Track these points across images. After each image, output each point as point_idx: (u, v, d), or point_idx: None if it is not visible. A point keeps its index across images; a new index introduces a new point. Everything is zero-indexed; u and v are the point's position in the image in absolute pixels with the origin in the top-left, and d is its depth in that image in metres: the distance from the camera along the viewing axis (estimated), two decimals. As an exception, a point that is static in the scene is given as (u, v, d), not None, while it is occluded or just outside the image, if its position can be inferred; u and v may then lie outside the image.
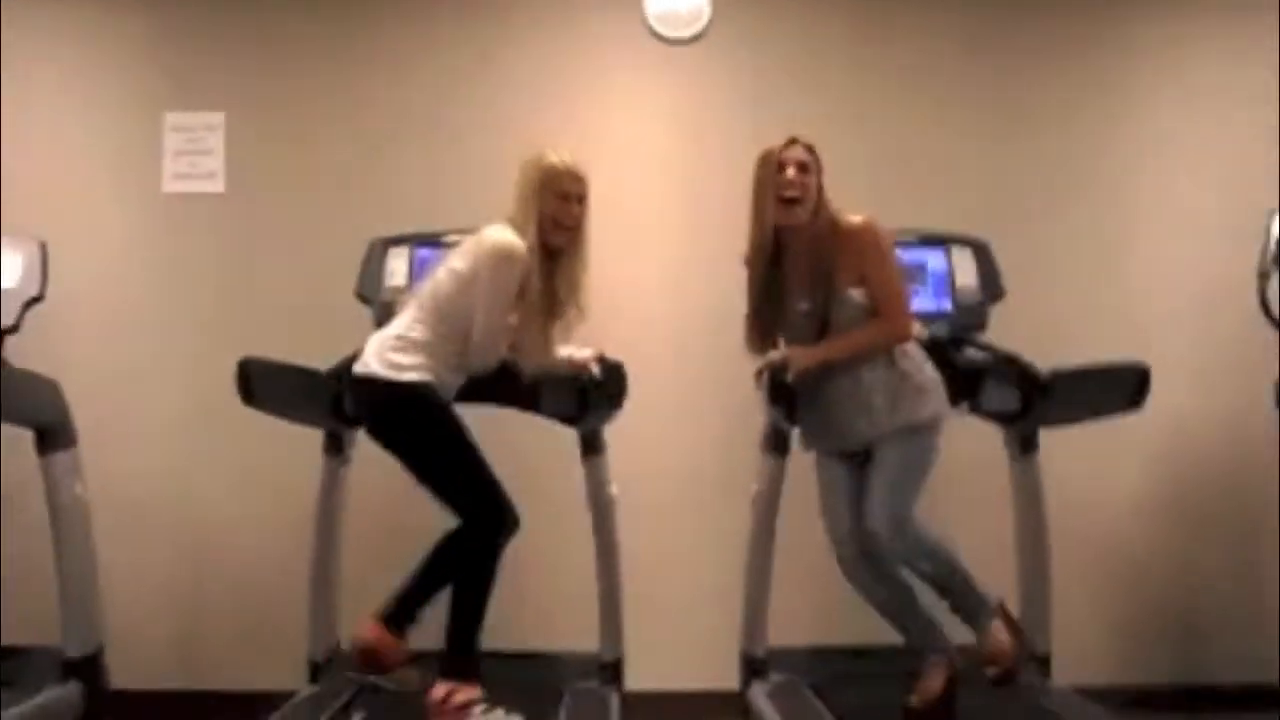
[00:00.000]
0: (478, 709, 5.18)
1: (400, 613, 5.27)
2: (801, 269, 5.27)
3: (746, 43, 6.86)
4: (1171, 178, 6.89)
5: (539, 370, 5.49)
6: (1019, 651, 5.40)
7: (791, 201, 5.22)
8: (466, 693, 5.21)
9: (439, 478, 5.25)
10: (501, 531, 5.25)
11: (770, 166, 5.24)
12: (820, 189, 5.27)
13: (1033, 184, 6.85)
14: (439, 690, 5.20)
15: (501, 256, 5.19)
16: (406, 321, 5.28)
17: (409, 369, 5.19)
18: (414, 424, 5.24)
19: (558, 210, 5.32)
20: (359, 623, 5.29)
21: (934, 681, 5.30)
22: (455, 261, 5.28)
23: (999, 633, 5.34)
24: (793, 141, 5.27)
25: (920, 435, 5.21)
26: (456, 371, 5.32)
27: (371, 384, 5.22)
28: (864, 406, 5.23)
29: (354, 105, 6.76)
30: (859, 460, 5.32)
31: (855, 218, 5.18)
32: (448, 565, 5.27)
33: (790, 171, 5.20)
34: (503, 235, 5.22)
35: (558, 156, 5.37)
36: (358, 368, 5.27)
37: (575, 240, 5.39)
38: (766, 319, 5.36)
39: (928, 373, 5.28)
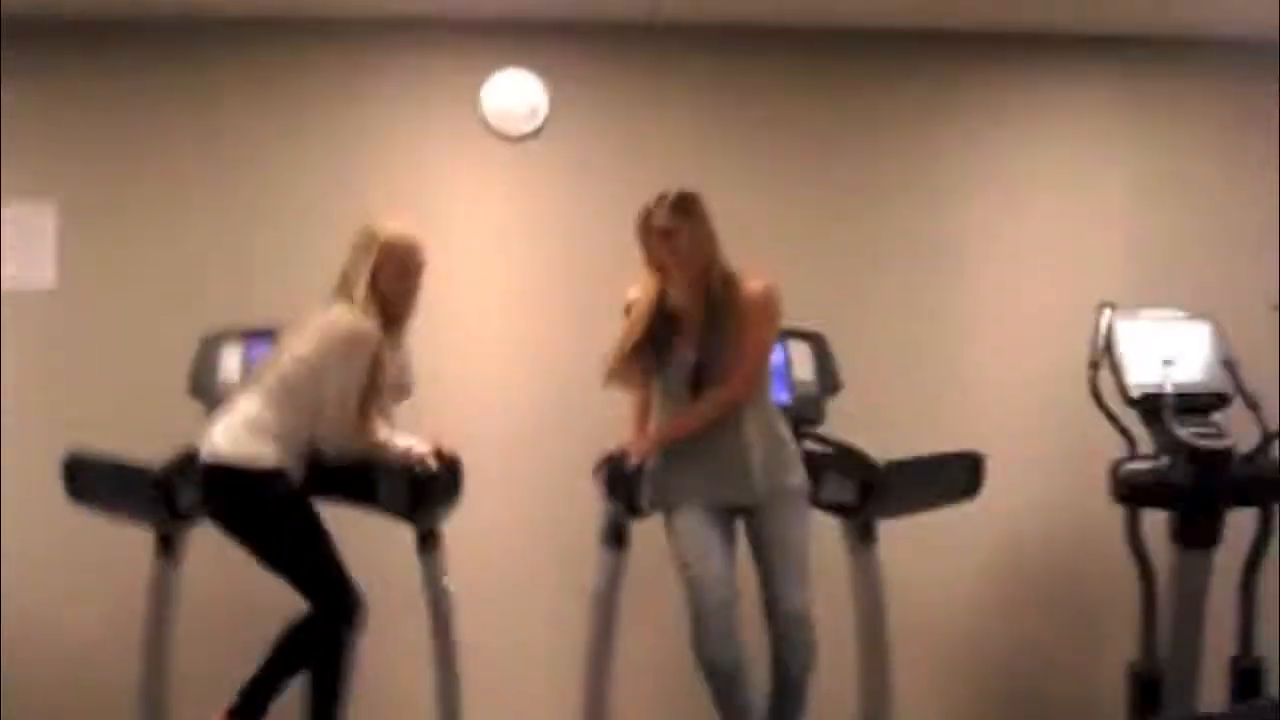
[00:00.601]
0: None
1: (250, 704, 5.13)
2: (691, 321, 5.23)
3: (584, 136, 6.90)
4: (1007, 270, 7.03)
5: (348, 452, 5.35)
6: None
7: (661, 269, 5.24)
8: None
9: (290, 565, 5.17)
10: (350, 619, 5.20)
11: (643, 228, 5.25)
12: (704, 242, 5.23)
13: (866, 275, 6.94)
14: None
15: (355, 342, 5.11)
16: (255, 408, 5.18)
17: (262, 456, 5.11)
18: (267, 511, 5.17)
19: (401, 287, 5.26)
20: (210, 721, 5.14)
21: None
22: (301, 348, 5.17)
23: None
24: (661, 199, 5.24)
25: (802, 503, 5.27)
26: (302, 458, 5.24)
27: (225, 472, 5.14)
28: (743, 464, 5.20)
29: (188, 197, 6.68)
30: (726, 523, 5.26)
31: (756, 283, 5.21)
32: (296, 652, 5.19)
33: (654, 242, 5.22)
34: (352, 319, 5.12)
35: (397, 229, 5.29)
36: (207, 455, 5.17)
37: (408, 317, 5.33)
38: (647, 361, 5.27)
39: (792, 437, 5.36)
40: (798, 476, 5.29)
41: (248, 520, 5.19)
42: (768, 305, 5.22)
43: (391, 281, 5.24)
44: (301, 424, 5.17)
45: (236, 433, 5.15)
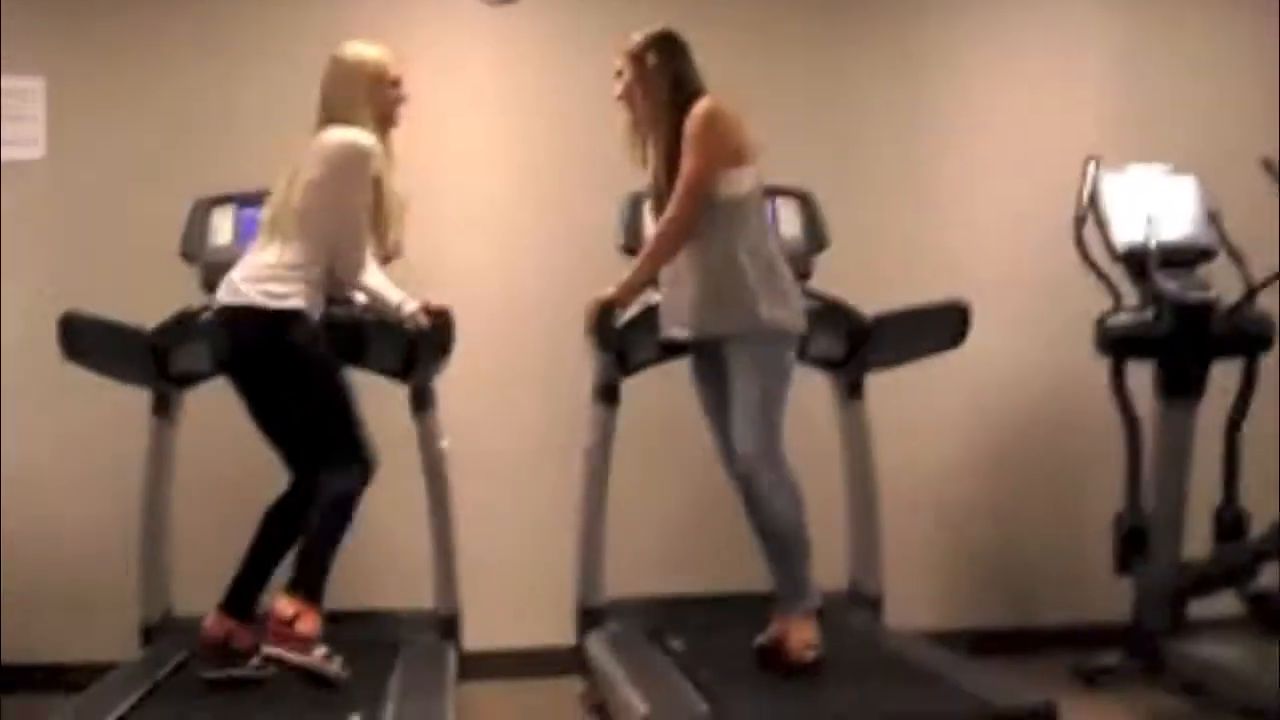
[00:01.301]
0: (319, 650, 4.92)
1: (311, 588, 4.95)
2: (654, 155, 5.21)
3: (576, 7, 6.90)
4: (993, 124, 7.06)
5: (363, 291, 5.35)
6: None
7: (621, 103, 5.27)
8: (311, 621, 4.89)
9: (314, 416, 5.04)
10: (368, 480, 5.08)
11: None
12: (664, 83, 5.15)
13: (853, 132, 6.96)
14: (284, 606, 4.88)
15: (357, 154, 4.99)
16: (274, 251, 4.98)
17: (290, 296, 4.93)
18: (295, 355, 4.95)
19: (391, 104, 5.20)
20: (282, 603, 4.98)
21: (806, 632, 5.08)
22: (310, 173, 5.01)
23: (806, 630, 5.09)
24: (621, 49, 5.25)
25: (755, 347, 5.05)
26: (321, 294, 5.09)
27: (250, 314, 4.93)
28: (681, 301, 5.18)
29: (177, 65, 6.67)
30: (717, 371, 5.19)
31: (700, 104, 5.09)
32: (336, 520, 5.01)
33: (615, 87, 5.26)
34: (350, 133, 5.02)
35: (367, 47, 5.21)
36: (229, 297, 4.96)
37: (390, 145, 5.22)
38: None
39: (789, 279, 5.18)
40: (748, 319, 5.02)
41: (272, 365, 4.98)
42: (696, 129, 5.02)
43: (386, 101, 5.18)
44: (319, 257, 5.00)
45: (259, 272, 4.96)
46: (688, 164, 5.01)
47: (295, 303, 4.93)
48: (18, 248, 6.58)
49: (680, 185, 5.02)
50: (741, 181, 5.07)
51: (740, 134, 5.10)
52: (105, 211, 6.58)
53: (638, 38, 5.23)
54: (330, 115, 5.10)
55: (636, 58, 5.21)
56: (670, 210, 5.05)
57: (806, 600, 5.11)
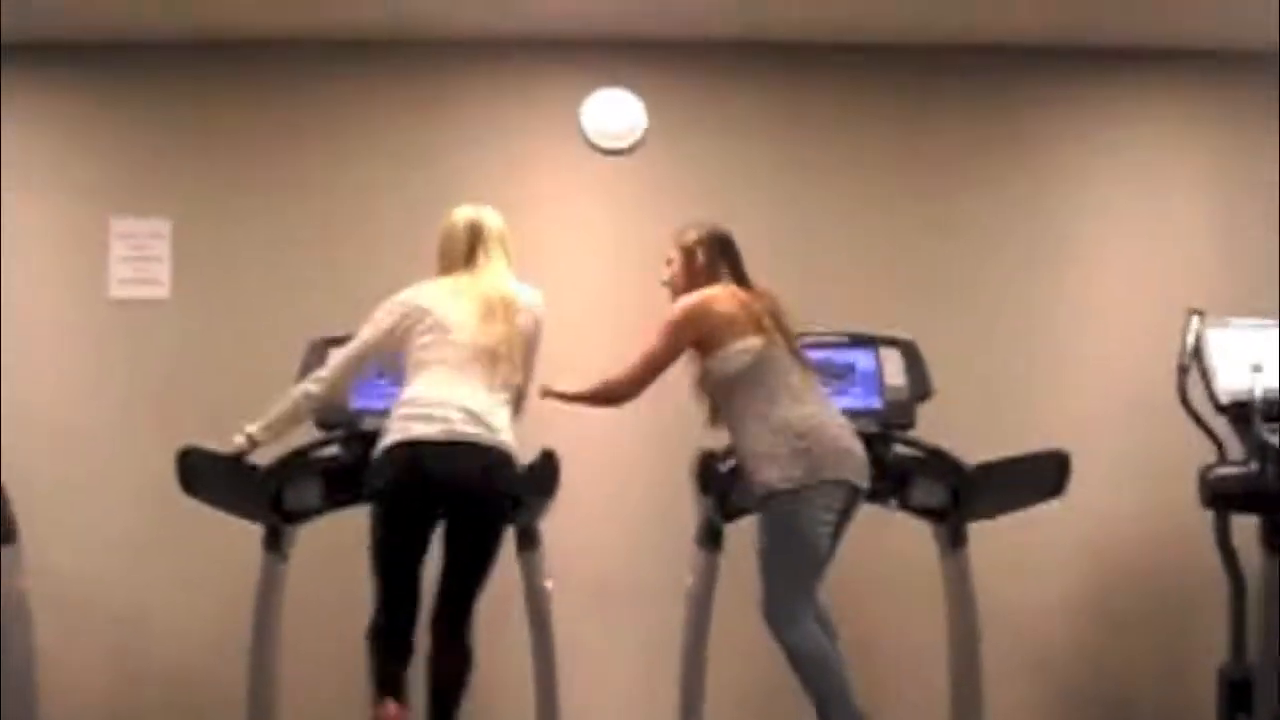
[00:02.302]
0: None
1: None
2: None
3: (679, 152, 7.07)
4: (1095, 276, 7.10)
5: None
6: None
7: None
8: None
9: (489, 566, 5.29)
10: None
11: None
12: (687, 278, 5.49)
13: (959, 279, 7.05)
14: None
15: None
16: (494, 386, 5.26)
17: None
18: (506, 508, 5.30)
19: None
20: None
21: None
22: (523, 325, 5.37)
23: None
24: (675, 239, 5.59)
25: (763, 515, 5.23)
26: None
27: (506, 457, 5.21)
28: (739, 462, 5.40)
29: (297, 211, 6.89)
30: None
31: (688, 297, 5.42)
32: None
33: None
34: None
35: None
36: (488, 436, 5.15)
37: None
38: None
39: (779, 442, 5.22)
40: (751, 484, 5.25)
41: (502, 515, 5.30)
42: (669, 317, 5.39)
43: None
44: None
45: (499, 415, 5.23)
46: (647, 342, 5.36)
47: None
48: (140, 385, 6.76)
49: (641, 365, 5.37)
50: (729, 360, 5.26)
51: (721, 322, 5.31)
52: (224, 350, 6.76)
53: (692, 233, 5.52)
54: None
55: (688, 251, 5.52)
56: (619, 372, 5.41)
57: None
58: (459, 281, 5.40)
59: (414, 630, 5.26)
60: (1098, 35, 7.05)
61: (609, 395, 5.45)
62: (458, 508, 5.20)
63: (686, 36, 7.01)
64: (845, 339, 6.13)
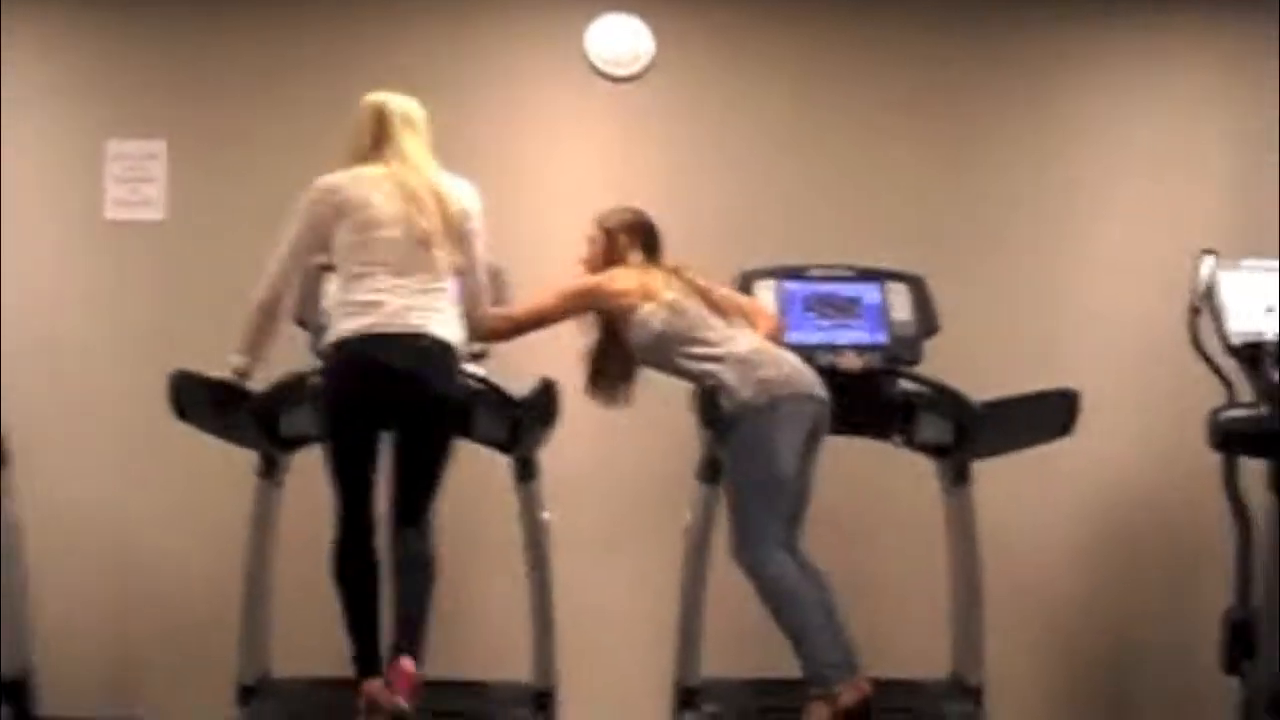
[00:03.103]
0: None
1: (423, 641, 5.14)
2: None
3: (687, 80, 6.96)
4: (1106, 218, 7.01)
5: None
6: None
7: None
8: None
9: (441, 473, 5.22)
10: None
11: None
12: (605, 259, 5.64)
13: (970, 219, 6.95)
14: (412, 666, 5.01)
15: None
16: (441, 288, 5.20)
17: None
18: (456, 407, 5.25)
19: None
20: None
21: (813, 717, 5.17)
22: (452, 209, 5.23)
23: (814, 715, 5.16)
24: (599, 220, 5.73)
25: (738, 425, 5.25)
26: None
27: (450, 354, 5.16)
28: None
29: (296, 134, 6.76)
30: None
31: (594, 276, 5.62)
32: (432, 579, 5.19)
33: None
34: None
35: None
36: (429, 327, 5.10)
37: None
38: None
39: (729, 369, 5.30)
40: (723, 411, 5.36)
41: (454, 418, 5.25)
42: (566, 284, 5.60)
43: None
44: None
45: (449, 315, 5.19)
46: (540, 297, 5.57)
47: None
48: (136, 308, 6.70)
49: (521, 306, 5.60)
50: (648, 323, 5.42)
51: (621, 296, 5.47)
52: (220, 274, 6.65)
53: (616, 217, 5.67)
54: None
55: (611, 233, 5.64)
56: (504, 311, 5.58)
57: (816, 685, 5.14)
58: (376, 171, 5.26)
59: (373, 546, 5.20)
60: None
61: (485, 328, 5.50)
62: (401, 405, 5.12)
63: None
64: (851, 272, 6.07)
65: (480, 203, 5.35)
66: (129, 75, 6.90)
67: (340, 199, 5.20)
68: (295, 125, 6.80)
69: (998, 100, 7.05)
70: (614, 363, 5.63)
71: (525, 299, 5.59)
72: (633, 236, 5.63)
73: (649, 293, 5.42)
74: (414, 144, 5.32)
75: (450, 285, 5.23)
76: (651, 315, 5.39)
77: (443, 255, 5.17)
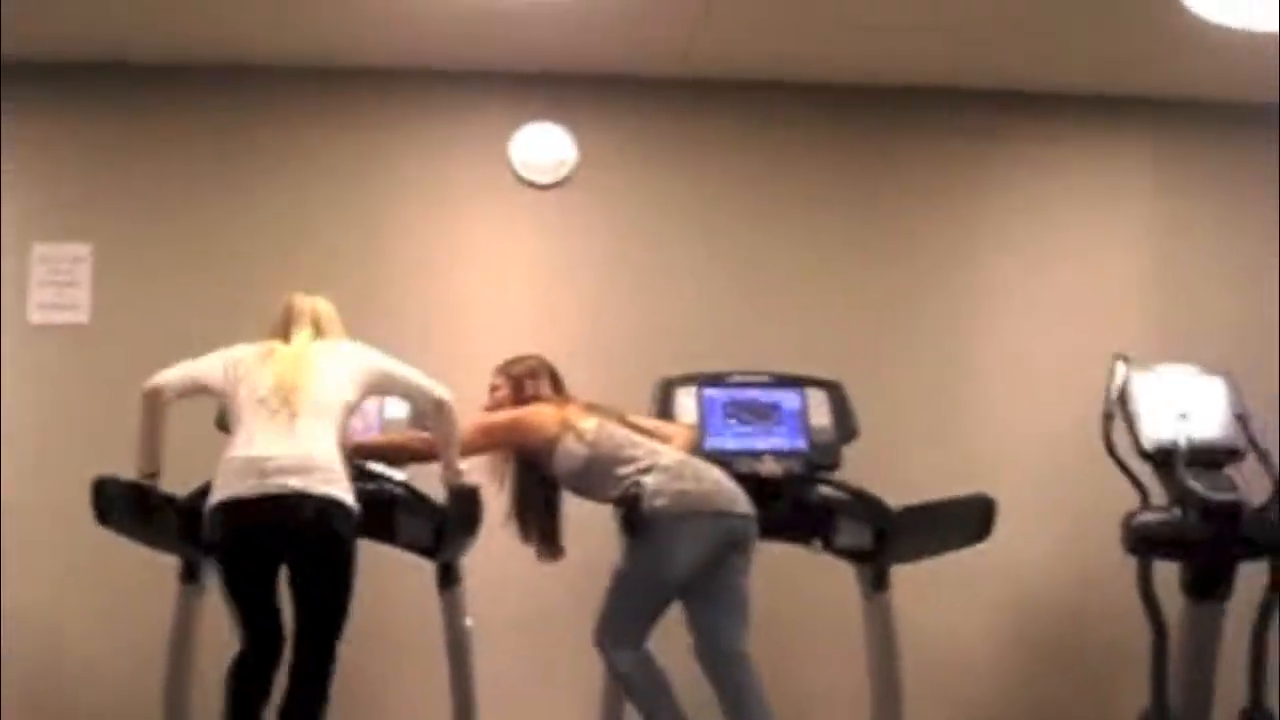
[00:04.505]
0: None
1: None
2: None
3: (608, 187, 7.07)
4: (1019, 322, 7.16)
5: None
6: None
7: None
8: None
9: (344, 605, 5.22)
10: None
11: None
12: (519, 391, 5.74)
13: (885, 325, 7.08)
14: None
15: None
16: (333, 443, 5.27)
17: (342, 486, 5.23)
18: (351, 559, 5.24)
19: None
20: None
21: None
22: (331, 360, 5.41)
23: None
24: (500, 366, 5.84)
25: (643, 529, 5.29)
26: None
27: (343, 511, 5.18)
28: None
29: (219, 242, 6.84)
30: None
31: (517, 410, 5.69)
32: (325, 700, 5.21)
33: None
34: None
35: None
36: (324, 488, 5.15)
37: None
38: None
39: (650, 480, 5.33)
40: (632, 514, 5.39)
41: (347, 567, 5.23)
42: (489, 419, 5.67)
43: None
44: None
45: (337, 471, 5.23)
46: (467, 430, 5.55)
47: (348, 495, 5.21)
48: (58, 410, 6.68)
49: (470, 427, 5.58)
50: (569, 455, 5.48)
51: (542, 432, 5.55)
52: (143, 376, 6.62)
53: (520, 365, 5.79)
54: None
55: (518, 380, 5.75)
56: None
57: None
58: (273, 345, 5.48)
59: (276, 666, 5.22)
60: (1037, 82, 7.13)
61: (423, 454, 5.60)
62: (290, 556, 5.20)
63: (618, 72, 7.02)
64: (770, 379, 6.15)
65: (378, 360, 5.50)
66: (56, 178, 6.90)
67: (240, 363, 5.45)
68: (220, 231, 6.87)
69: (911, 206, 7.20)
70: (536, 502, 5.70)
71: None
72: (538, 379, 5.74)
73: (569, 424, 5.50)
74: (310, 333, 5.53)
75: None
76: (576, 444, 5.46)
77: (318, 394, 5.32)
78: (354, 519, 5.21)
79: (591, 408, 5.63)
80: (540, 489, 5.67)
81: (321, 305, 5.62)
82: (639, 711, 5.29)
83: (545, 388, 5.72)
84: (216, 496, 5.17)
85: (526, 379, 5.73)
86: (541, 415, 5.58)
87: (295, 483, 5.11)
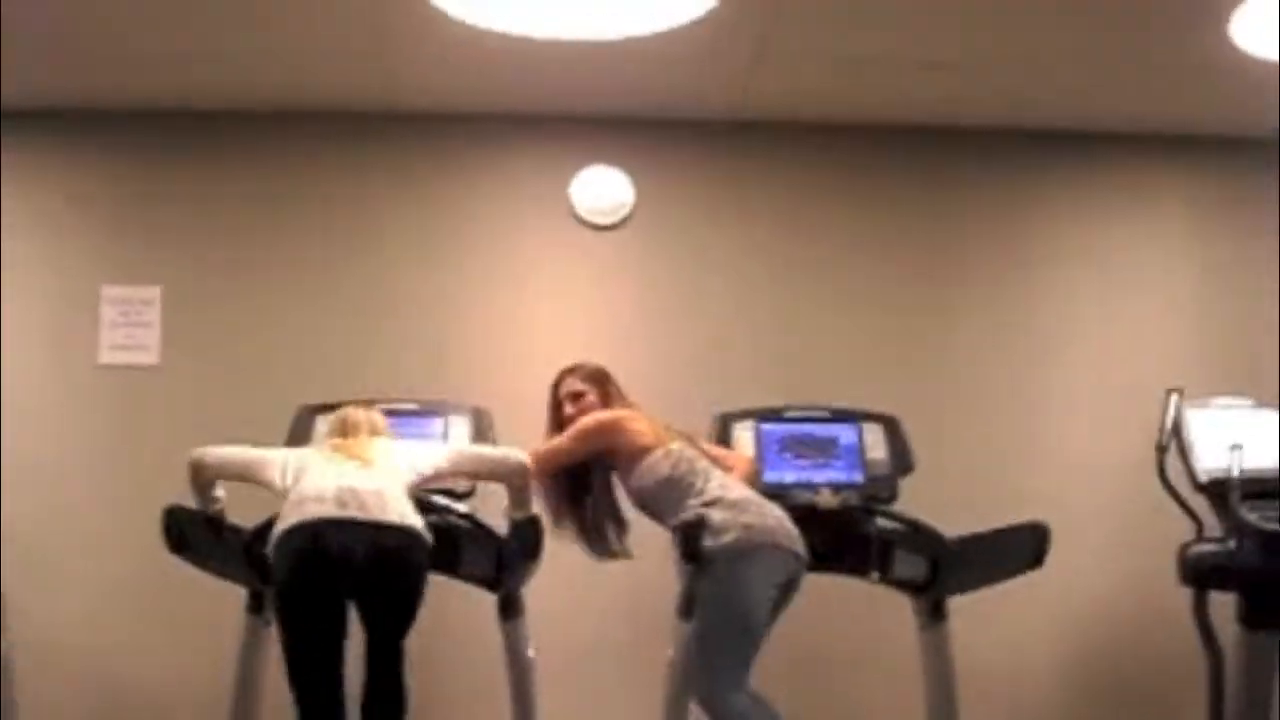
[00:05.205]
0: None
1: None
2: None
3: (665, 228, 7.18)
4: (1077, 357, 7.21)
5: None
6: None
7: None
8: None
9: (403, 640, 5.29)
10: None
11: (553, 399, 5.70)
12: (608, 397, 5.65)
13: (941, 359, 7.16)
14: None
15: None
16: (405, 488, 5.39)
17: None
18: (423, 591, 5.30)
19: None
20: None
21: None
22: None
23: None
24: (569, 372, 5.70)
25: (715, 567, 5.25)
26: None
27: (420, 541, 5.26)
28: None
29: (286, 280, 6.98)
30: None
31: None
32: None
33: (568, 408, 5.63)
34: None
35: None
36: (401, 519, 5.24)
37: None
38: None
39: (717, 514, 5.31)
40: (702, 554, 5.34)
41: (417, 596, 5.30)
42: (582, 424, 5.55)
43: None
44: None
45: (409, 505, 5.32)
46: (558, 439, 5.57)
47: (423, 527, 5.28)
48: (129, 451, 6.81)
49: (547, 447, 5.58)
50: (655, 467, 5.43)
51: (636, 435, 5.50)
52: (211, 416, 6.77)
53: (592, 367, 5.73)
54: None
55: (600, 381, 5.69)
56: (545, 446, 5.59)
57: None
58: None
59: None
60: (1090, 122, 7.21)
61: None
62: (364, 585, 5.23)
63: (675, 115, 7.13)
64: (828, 414, 6.22)
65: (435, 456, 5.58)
66: (126, 220, 7.06)
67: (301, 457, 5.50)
68: (289, 275, 7.00)
69: (967, 242, 7.28)
70: (595, 510, 5.67)
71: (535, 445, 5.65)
72: (614, 384, 5.73)
73: (661, 439, 5.49)
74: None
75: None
76: (663, 461, 5.43)
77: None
78: (429, 551, 5.29)
79: (669, 427, 5.61)
80: (606, 494, 5.65)
81: (377, 417, 5.69)
82: None
83: (620, 393, 5.70)
84: (290, 520, 5.20)
85: (608, 382, 5.70)
86: (640, 421, 5.55)
87: (374, 510, 5.18)
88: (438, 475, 5.52)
